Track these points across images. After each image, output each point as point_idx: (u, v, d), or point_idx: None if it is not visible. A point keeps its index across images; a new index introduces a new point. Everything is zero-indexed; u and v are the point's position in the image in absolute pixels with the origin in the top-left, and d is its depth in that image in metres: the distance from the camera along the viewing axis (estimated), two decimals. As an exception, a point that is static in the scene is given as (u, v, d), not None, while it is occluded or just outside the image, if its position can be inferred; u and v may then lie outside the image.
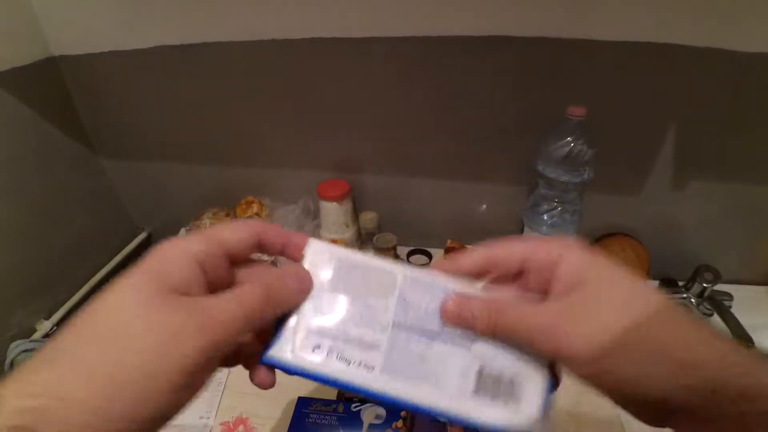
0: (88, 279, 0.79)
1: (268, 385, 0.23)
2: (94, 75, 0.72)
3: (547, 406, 0.22)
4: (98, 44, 0.68)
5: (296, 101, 0.66)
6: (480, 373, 0.22)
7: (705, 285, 0.59)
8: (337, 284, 0.24)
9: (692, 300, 0.61)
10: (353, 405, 0.46)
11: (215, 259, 0.21)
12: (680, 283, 0.64)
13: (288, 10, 0.57)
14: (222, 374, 0.50)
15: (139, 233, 0.91)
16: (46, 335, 0.70)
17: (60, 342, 0.17)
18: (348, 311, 0.23)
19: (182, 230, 0.83)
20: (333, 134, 0.68)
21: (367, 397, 0.22)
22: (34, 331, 0.70)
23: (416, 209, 0.73)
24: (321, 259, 0.24)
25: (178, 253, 0.20)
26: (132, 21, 0.64)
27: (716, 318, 0.57)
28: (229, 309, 0.19)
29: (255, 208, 0.73)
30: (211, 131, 0.73)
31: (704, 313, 0.60)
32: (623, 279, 0.20)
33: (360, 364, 0.22)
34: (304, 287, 0.23)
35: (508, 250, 0.23)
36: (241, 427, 0.46)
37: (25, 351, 0.65)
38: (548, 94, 0.56)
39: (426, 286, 0.24)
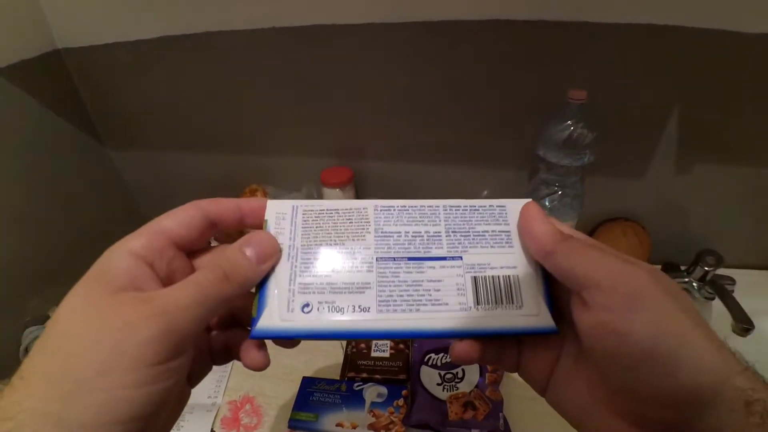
0: (99, 267, 0.80)
1: (260, 365, 0.22)
2: (98, 66, 0.73)
3: (549, 306, 0.22)
4: (102, 36, 0.69)
5: (299, 89, 0.66)
6: (475, 285, 0.22)
7: (707, 269, 0.59)
8: (310, 237, 0.23)
9: (694, 284, 0.61)
10: (356, 384, 0.47)
11: (160, 252, 0.21)
12: (682, 268, 0.64)
13: (288, -3, 0.58)
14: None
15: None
16: (60, 321, 0.72)
17: (30, 359, 0.17)
18: (328, 261, 0.22)
19: (188, 219, 0.84)
20: (335, 121, 0.68)
21: (372, 338, 0.22)
22: (47, 318, 0.72)
23: (417, 195, 0.72)
24: (285, 216, 0.24)
25: (118, 253, 0.20)
26: (135, 12, 0.65)
27: (718, 302, 0.58)
28: (182, 294, 0.18)
29: (259, 196, 0.74)
30: (215, 120, 0.74)
31: (705, 297, 0.60)
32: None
33: (354, 309, 0.21)
34: (264, 254, 0.22)
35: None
36: (248, 406, 0.48)
37: (39, 337, 0.68)
38: (549, 78, 0.56)
39: (399, 215, 0.24)
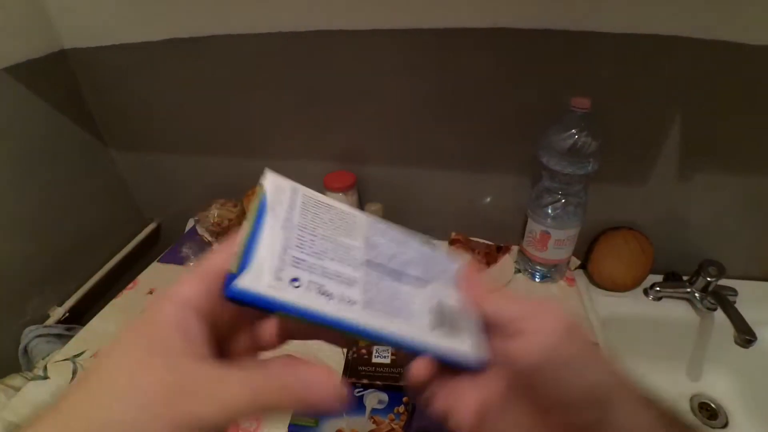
0: (99, 268, 0.80)
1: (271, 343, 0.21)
2: (103, 67, 0.73)
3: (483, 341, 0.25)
4: (107, 37, 0.69)
5: (302, 93, 0.67)
6: (437, 311, 0.24)
7: (709, 279, 0.59)
8: (307, 219, 0.23)
9: (696, 294, 0.61)
10: (356, 390, 0.47)
11: (213, 295, 0.19)
12: (684, 278, 0.64)
13: (294, 2, 0.58)
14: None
15: (149, 224, 0.92)
16: (59, 321, 0.72)
17: (66, 395, 0.16)
18: (322, 246, 0.22)
19: (190, 220, 0.84)
20: (338, 126, 0.69)
21: (349, 333, 0.21)
22: (47, 317, 0.71)
23: (421, 201, 0.73)
24: (284, 191, 0.23)
25: (172, 308, 0.18)
26: (141, 15, 0.65)
27: (720, 313, 0.58)
28: (209, 410, 0.17)
29: (261, 199, 0.74)
30: (219, 123, 0.74)
31: (708, 308, 0.60)
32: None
33: (341, 299, 0.21)
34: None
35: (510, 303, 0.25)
36: (247, 411, 0.48)
37: (38, 336, 0.67)
38: (553, 86, 0.56)
39: (384, 231, 0.26)
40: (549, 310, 0.23)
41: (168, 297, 0.19)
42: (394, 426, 0.44)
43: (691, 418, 0.60)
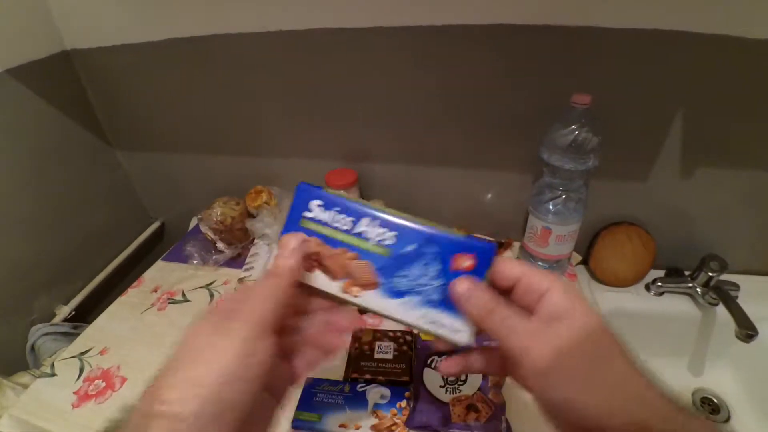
0: (105, 267, 0.81)
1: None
2: (106, 68, 0.73)
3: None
4: (110, 38, 0.69)
5: (304, 91, 0.67)
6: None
7: (711, 274, 0.59)
8: None
9: (698, 289, 0.61)
10: (359, 385, 0.48)
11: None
12: (686, 273, 0.64)
13: (295, 1, 0.58)
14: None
15: (153, 222, 0.93)
16: (65, 320, 0.73)
17: (172, 361, 0.23)
18: None
19: (193, 219, 0.85)
20: (340, 124, 0.69)
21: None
22: (54, 315, 0.72)
23: (422, 198, 0.73)
24: None
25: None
26: (142, 14, 0.66)
27: (721, 308, 0.58)
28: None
29: (264, 197, 0.75)
30: (221, 122, 0.75)
31: (709, 303, 0.60)
32: (588, 320, 0.25)
33: None
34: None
35: (510, 266, 0.27)
36: (251, 406, 0.48)
37: (45, 335, 0.68)
38: (553, 82, 0.56)
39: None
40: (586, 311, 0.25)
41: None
42: (397, 421, 0.44)
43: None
